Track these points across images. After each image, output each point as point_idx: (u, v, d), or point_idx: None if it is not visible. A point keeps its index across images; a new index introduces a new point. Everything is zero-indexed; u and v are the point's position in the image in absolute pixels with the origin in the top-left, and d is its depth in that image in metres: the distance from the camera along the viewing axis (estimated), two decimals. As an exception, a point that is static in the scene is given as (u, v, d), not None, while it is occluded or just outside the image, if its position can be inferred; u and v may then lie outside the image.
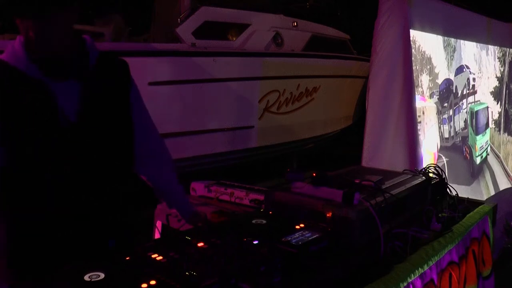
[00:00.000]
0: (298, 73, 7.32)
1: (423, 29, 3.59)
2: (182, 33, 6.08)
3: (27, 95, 1.40)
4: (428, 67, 3.66)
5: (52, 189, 1.45)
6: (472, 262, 2.03)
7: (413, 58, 3.36)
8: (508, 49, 5.23)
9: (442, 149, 4.00)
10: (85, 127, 1.48)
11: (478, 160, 4.74)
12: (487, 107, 5.04)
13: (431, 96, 3.85)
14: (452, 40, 4.08)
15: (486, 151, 4.98)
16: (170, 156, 1.89)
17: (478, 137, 4.72)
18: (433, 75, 3.76)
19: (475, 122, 4.65)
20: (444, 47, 3.96)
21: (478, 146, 4.72)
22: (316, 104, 7.74)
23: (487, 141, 5.02)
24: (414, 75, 3.38)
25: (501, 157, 5.14)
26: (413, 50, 3.37)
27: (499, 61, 5.13)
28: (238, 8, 6.90)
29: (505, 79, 5.24)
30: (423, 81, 3.59)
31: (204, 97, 6.13)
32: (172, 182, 1.89)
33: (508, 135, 5.38)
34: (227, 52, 6.48)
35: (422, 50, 3.54)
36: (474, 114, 4.62)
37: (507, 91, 5.24)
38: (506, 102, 5.28)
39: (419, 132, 3.40)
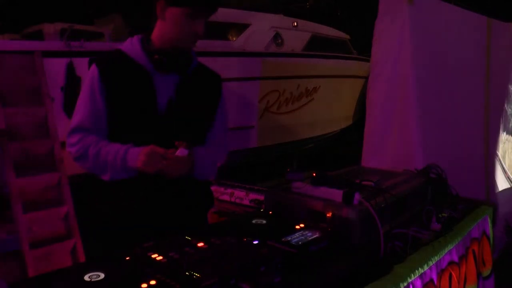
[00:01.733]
0: (298, 73, 7.32)
1: (423, 29, 3.58)
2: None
3: (133, 80, 1.67)
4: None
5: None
6: (472, 262, 2.03)
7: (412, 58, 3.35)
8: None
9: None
10: (172, 118, 1.70)
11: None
12: None
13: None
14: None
15: None
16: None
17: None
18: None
19: None
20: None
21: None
22: (316, 104, 7.74)
23: None
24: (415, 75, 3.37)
25: (499, 155, 5.13)
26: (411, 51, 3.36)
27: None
28: (238, 8, 6.90)
29: None
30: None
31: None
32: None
33: (506, 134, 5.38)
34: (227, 52, 6.48)
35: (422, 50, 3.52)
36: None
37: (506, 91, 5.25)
38: (505, 102, 5.28)
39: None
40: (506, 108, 5.23)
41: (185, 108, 1.74)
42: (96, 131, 1.69)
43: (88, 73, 1.71)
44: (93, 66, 1.70)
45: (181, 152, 1.60)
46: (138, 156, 1.59)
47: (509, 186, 5.07)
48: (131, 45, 1.74)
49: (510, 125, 5.37)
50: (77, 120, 1.70)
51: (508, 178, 5.11)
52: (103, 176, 1.68)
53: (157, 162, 1.58)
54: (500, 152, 5.17)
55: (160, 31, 1.71)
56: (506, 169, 5.14)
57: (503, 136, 5.20)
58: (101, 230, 1.76)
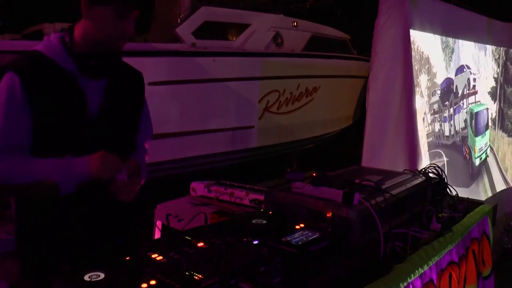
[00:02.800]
0: (298, 73, 7.32)
1: (423, 29, 3.59)
2: (182, 33, 6.08)
3: (60, 87, 1.50)
4: (427, 66, 3.67)
5: None
6: (472, 262, 2.03)
7: (411, 58, 3.36)
8: (502, 51, 5.26)
9: (443, 146, 4.01)
10: (104, 122, 1.59)
11: (477, 162, 4.74)
12: (487, 109, 5.05)
13: (433, 94, 3.86)
14: (451, 41, 4.08)
15: (486, 153, 4.98)
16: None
17: (477, 139, 4.72)
18: (431, 74, 3.76)
19: (475, 124, 4.66)
20: (443, 49, 3.96)
21: (477, 147, 4.72)
22: (316, 104, 7.74)
23: (486, 142, 5.02)
24: (413, 75, 3.38)
25: (494, 150, 5.16)
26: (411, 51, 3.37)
27: (495, 62, 5.15)
28: (238, 8, 6.90)
29: (500, 79, 5.27)
30: (422, 81, 3.59)
31: (204, 97, 6.12)
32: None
33: (502, 132, 5.41)
34: (227, 52, 6.48)
35: (421, 51, 3.54)
36: (473, 116, 4.62)
37: (502, 90, 5.28)
38: (501, 101, 5.32)
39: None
40: (502, 107, 5.27)
41: (116, 112, 1.63)
42: (12, 149, 1.47)
43: (1, 82, 1.46)
44: (10, 75, 1.44)
45: (120, 177, 1.51)
46: (88, 162, 1.46)
47: (505, 186, 5.10)
48: (50, 46, 1.54)
49: (510, 126, 5.40)
50: None
51: (504, 178, 5.13)
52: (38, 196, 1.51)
53: (112, 165, 1.48)
54: (495, 146, 5.19)
55: (84, 31, 1.53)
56: (504, 173, 5.17)
57: (499, 133, 5.24)
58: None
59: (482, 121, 4.92)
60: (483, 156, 4.92)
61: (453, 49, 4.13)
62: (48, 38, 1.57)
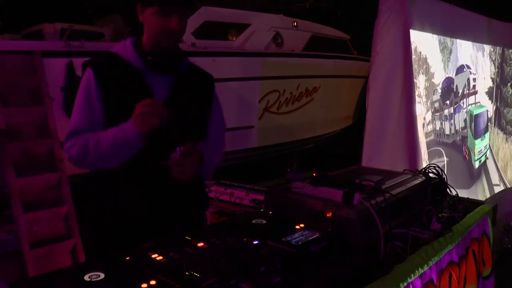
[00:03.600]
0: (298, 73, 7.33)
1: (423, 29, 3.59)
2: (182, 33, 6.08)
3: (129, 82, 1.68)
4: (424, 66, 3.67)
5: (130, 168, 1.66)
6: (472, 262, 2.03)
7: (411, 58, 3.36)
8: (498, 52, 5.28)
9: (443, 144, 4.01)
10: (169, 117, 1.66)
11: (476, 164, 4.73)
12: (487, 111, 5.05)
13: (434, 92, 3.86)
14: (449, 42, 4.08)
15: (485, 156, 4.98)
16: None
17: (476, 141, 4.72)
18: (429, 75, 3.76)
19: (474, 126, 4.66)
20: (441, 49, 3.96)
21: (476, 150, 4.72)
22: (316, 104, 7.74)
23: (486, 145, 5.01)
24: (413, 75, 3.38)
25: (493, 151, 5.18)
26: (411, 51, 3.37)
27: (492, 63, 5.17)
28: (238, 8, 6.90)
29: (497, 80, 5.29)
30: (420, 81, 3.60)
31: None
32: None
33: (499, 129, 5.44)
34: (227, 52, 6.48)
35: (418, 51, 3.54)
36: (473, 118, 4.63)
37: (498, 90, 5.31)
38: (498, 101, 5.34)
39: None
40: (499, 107, 5.29)
41: (181, 107, 1.74)
42: (90, 130, 1.68)
43: (83, 76, 1.71)
44: (88, 70, 1.69)
45: (173, 155, 1.59)
46: (132, 121, 1.59)
47: (503, 188, 5.11)
48: (124, 48, 1.76)
49: (505, 124, 5.43)
50: (73, 125, 1.69)
51: (502, 180, 5.14)
52: (111, 163, 1.67)
53: (149, 117, 1.58)
54: (500, 164, 5.21)
55: (145, 33, 1.75)
56: (503, 175, 5.18)
57: (496, 130, 5.25)
58: (100, 230, 1.76)
59: (482, 123, 4.92)
60: (483, 159, 4.92)
61: (451, 49, 4.13)
62: (124, 41, 1.80)
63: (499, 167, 5.28)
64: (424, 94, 3.68)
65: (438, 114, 3.96)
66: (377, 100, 3.34)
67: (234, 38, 6.84)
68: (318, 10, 9.17)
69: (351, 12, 10.35)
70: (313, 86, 7.63)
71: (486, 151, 5.03)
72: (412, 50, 3.38)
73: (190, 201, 1.79)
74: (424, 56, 3.63)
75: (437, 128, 3.94)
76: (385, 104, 3.33)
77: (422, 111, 3.62)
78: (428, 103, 3.77)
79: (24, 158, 3.38)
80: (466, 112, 4.49)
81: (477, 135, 4.73)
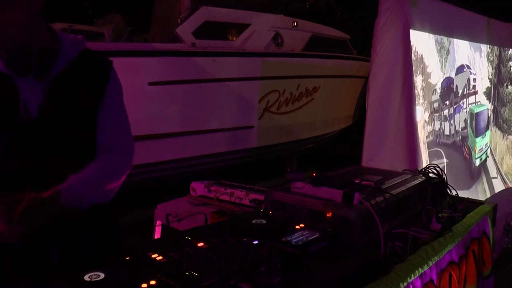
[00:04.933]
0: (298, 73, 7.33)
1: (423, 29, 3.59)
2: (182, 33, 6.09)
3: None
4: (421, 66, 3.66)
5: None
6: (472, 262, 2.03)
7: (411, 58, 3.35)
8: (495, 53, 5.28)
9: (443, 145, 4.01)
10: (45, 124, 1.42)
11: (477, 162, 4.74)
12: (487, 109, 5.06)
13: (433, 93, 3.86)
14: (446, 42, 4.08)
15: (486, 154, 4.99)
16: (115, 161, 1.56)
17: (477, 139, 4.73)
18: (425, 75, 3.75)
19: (475, 124, 4.66)
20: (438, 50, 3.96)
21: (477, 148, 4.73)
22: (316, 104, 7.74)
23: (486, 143, 5.03)
24: (413, 75, 3.38)
25: (492, 149, 5.20)
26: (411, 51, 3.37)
27: (490, 63, 5.18)
28: (238, 8, 6.90)
29: (494, 80, 5.30)
30: (417, 82, 3.59)
31: (204, 97, 6.13)
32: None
33: (496, 128, 5.46)
34: (227, 52, 6.48)
35: (415, 51, 3.53)
36: (473, 116, 4.63)
37: (496, 90, 5.32)
38: (496, 101, 5.36)
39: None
40: (496, 106, 5.31)
41: (60, 112, 1.45)
42: None
43: None
44: None
45: None
46: None
47: (503, 187, 5.12)
48: None
49: (502, 123, 5.45)
50: None
51: (502, 178, 5.15)
52: None
53: None
54: (497, 158, 5.22)
55: None
56: (503, 173, 5.19)
57: (494, 129, 5.27)
58: None
59: (483, 122, 4.93)
60: (483, 157, 4.93)
61: (448, 49, 4.13)
62: None
63: (497, 160, 5.32)
64: (422, 95, 3.68)
65: (437, 114, 3.95)
66: (377, 100, 3.33)
67: (234, 38, 6.84)
68: (318, 10, 9.16)
69: (351, 12, 10.34)
70: (313, 86, 7.63)
71: (487, 149, 5.04)
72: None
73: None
74: (420, 56, 3.63)
75: (437, 128, 3.94)
76: (385, 104, 3.33)
77: (421, 112, 3.62)
78: (425, 104, 3.77)
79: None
80: (466, 112, 4.49)
81: (478, 133, 4.73)
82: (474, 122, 4.64)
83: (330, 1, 9.62)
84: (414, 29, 3.40)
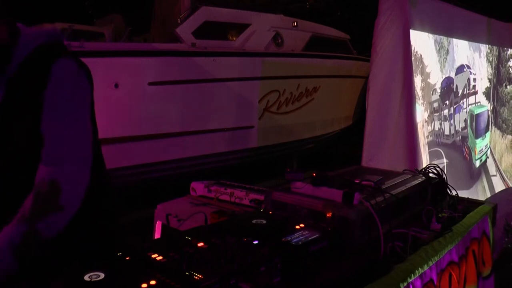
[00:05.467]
0: (298, 73, 7.33)
1: (423, 29, 3.59)
2: (182, 33, 6.09)
3: None
4: (421, 66, 3.66)
5: None
6: (472, 262, 2.03)
7: (411, 58, 3.35)
8: (494, 53, 5.29)
9: (443, 145, 4.01)
10: None
11: (477, 163, 4.74)
12: (487, 110, 5.06)
13: (433, 93, 3.86)
14: (445, 42, 4.08)
15: (486, 155, 4.99)
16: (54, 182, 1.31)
17: (477, 141, 4.73)
18: (424, 75, 3.75)
19: (475, 125, 4.66)
20: (437, 50, 3.95)
21: (477, 149, 4.73)
22: (316, 104, 7.74)
23: (487, 144, 5.03)
24: (413, 75, 3.38)
25: (491, 148, 5.21)
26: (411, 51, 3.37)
27: (489, 64, 5.19)
28: (238, 8, 6.91)
29: (493, 80, 5.30)
30: (417, 82, 3.59)
31: (204, 97, 6.13)
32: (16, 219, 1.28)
33: (496, 128, 5.47)
34: (227, 52, 6.48)
35: (415, 51, 3.53)
36: (474, 118, 4.63)
37: (495, 91, 5.33)
38: (495, 101, 5.36)
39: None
40: (495, 106, 5.31)
41: (3, 120, 1.33)
42: None
43: None
44: None
45: None
46: None
47: (503, 186, 5.12)
48: None
49: (501, 123, 5.46)
50: None
51: (502, 177, 5.16)
52: None
53: None
54: (497, 156, 5.22)
55: None
56: (503, 173, 5.19)
57: (493, 129, 5.28)
58: None
59: (483, 123, 4.93)
60: (483, 158, 4.93)
61: (448, 50, 4.13)
62: None
63: (496, 159, 5.33)
64: (421, 95, 3.68)
65: (437, 114, 3.95)
66: (377, 100, 3.33)
67: (234, 38, 6.84)
68: (318, 10, 9.17)
69: (351, 12, 10.34)
70: (313, 86, 7.64)
71: (487, 150, 5.04)
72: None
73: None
74: (420, 56, 3.63)
75: (436, 128, 3.94)
76: (385, 104, 3.33)
77: (421, 112, 3.62)
78: (425, 104, 3.77)
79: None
80: (466, 112, 4.49)
81: (478, 134, 4.73)
82: (474, 123, 4.64)
83: (330, 1, 9.62)
84: (414, 29, 3.40)
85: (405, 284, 1.46)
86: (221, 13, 6.60)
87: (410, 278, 1.49)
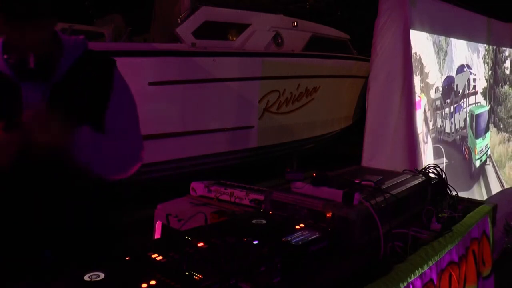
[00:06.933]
0: (298, 73, 7.33)
1: (423, 29, 3.58)
2: (182, 33, 6.09)
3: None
4: (419, 67, 3.66)
5: None
6: (472, 262, 2.03)
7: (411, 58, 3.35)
8: (491, 54, 5.29)
9: (443, 142, 4.01)
10: None
11: (477, 164, 4.73)
12: (487, 111, 5.05)
13: (435, 90, 3.86)
14: (444, 43, 4.07)
15: (486, 155, 4.98)
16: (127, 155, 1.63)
17: (478, 141, 4.72)
18: (423, 75, 3.75)
19: (475, 126, 4.66)
20: (436, 51, 3.95)
21: (477, 149, 4.72)
22: (316, 104, 7.74)
23: (487, 144, 5.02)
24: (413, 75, 3.37)
25: (494, 160, 5.21)
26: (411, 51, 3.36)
27: (486, 64, 5.19)
28: (238, 8, 6.91)
29: (490, 80, 5.31)
30: (415, 82, 3.59)
31: (204, 97, 6.13)
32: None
33: (493, 127, 5.48)
34: (227, 52, 6.48)
35: (413, 51, 3.53)
36: (474, 118, 4.62)
37: (492, 91, 5.34)
38: (492, 100, 5.37)
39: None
40: (492, 106, 5.31)
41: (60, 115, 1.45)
42: None
43: None
44: None
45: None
46: None
47: (500, 188, 5.12)
48: None
49: (498, 122, 5.46)
50: None
51: (499, 179, 5.16)
52: None
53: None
54: (495, 157, 5.22)
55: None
56: (500, 175, 5.19)
57: (491, 128, 5.28)
58: None
59: (483, 123, 4.92)
60: (483, 158, 4.92)
61: (446, 51, 4.13)
62: None
63: (494, 160, 5.33)
64: (419, 94, 3.67)
65: (439, 111, 3.96)
66: (377, 100, 3.33)
67: (234, 38, 6.84)
68: (318, 10, 9.17)
69: (351, 12, 10.34)
70: (313, 86, 7.64)
71: (487, 150, 5.03)
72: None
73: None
74: (419, 57, 3.62)
75: (438, 126, 3.95)
76: (385, 104, 3.33)
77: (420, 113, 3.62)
78: (425, 104, 3.77)
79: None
80: (466, 112, 4.49)
81: (477, 134, 4.73)
82: (474, 123, 4.64)
83: (330, 1, 9.62)
84: (414, 29, 3.40)
85: (405, 284, 1.46)
86: (221, 13, 6.60)
87: (410, 278, 1.49)
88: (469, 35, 4.48)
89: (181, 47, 6.00)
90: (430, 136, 3.71)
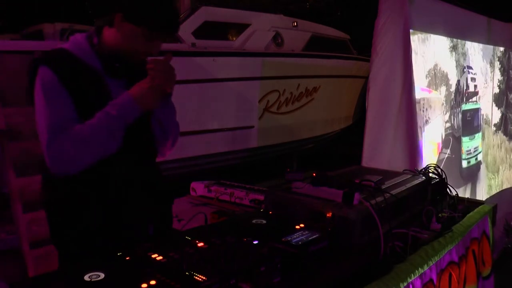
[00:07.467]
0: (298, 73, 7.32)
1: (423, 29, 3.58)
2: (182, 33, 6.08)
3: (88, 83, 1.58)
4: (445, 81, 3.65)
5: (96, 173, 1.59)
6: (472, 262, 2.03)
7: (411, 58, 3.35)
8: (505, 60, 5.27)
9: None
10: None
11: (464, 164, 4.61)
12: (479, 109, 4.94)
13: (448, 88, 3.85)
14: (460, 48, 4.07)
15: (476, 159, 4.84)
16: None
17: (464, 139, 4.60)
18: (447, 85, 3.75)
19: (461, 121, 4.57)
20: (455, 58, 3.94)
21: (464, 149, 4.61)
22: (316, 104, 7.74)
23: (476, 147, 4.87)
24: (413, 75, 3.37)
25: (489, 155, 5.16)
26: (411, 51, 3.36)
27: (499, 70, 5.16)
28: (238, 8, 6.90)
29: (502, 87, 5.29)
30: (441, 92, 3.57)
31: (204, 97, 6.13)
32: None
33: (504, 135, 5.43)
34: (227, 52, 6.48)
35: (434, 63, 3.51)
36: (462, 113, 4.53)
37: (504, 97, 5.31)
38: (504, 106, 5.35)
39: (422, 122, 3.41)
40: (503, 112, 5.28)
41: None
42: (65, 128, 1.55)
43: (36, 76, 1.53)
44: (44, 69, 1.53)
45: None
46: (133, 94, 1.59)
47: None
48: (78, 45, 1.64)
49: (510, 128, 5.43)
50: (52, 122, 1.55)
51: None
52: (110, 146, 1.57)
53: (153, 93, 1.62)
54: (491, 158, 5.17)
55: (114, 41, 1.61)
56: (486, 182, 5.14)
57: (502, 137, 5.23)
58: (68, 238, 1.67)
59: (470, 121, 4.80)
60: (472, 161, 4.77)
61: (463, 53, 4.14)
62: (75, 38, 1.67)
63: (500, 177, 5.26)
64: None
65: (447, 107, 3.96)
66: (377, 100, 3.33)
67: (234, 38, 6.83)
68: (318, 10, 9.17)
69: (351, 12, 10.34)
70: (313, 86, 7.63)
71: (477, 154, 4.89)
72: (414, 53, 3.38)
73: (151, 199, 1.75)
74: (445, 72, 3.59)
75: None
76: (385, 104, 3.33)
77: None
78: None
79: (24, 158, 3.37)
80: (461, 112, 4.46)
81: (465, 132, 4.62)
82: (461, 120, 4.54)
83: (330, 1, 9.62)
84: (414, 29, 3.40)
85: (405, 284, 1.47)
86: (221, 13, 6.60)
87: (410, 278, 1.49)
88: (469, 35, 4.47)
89: (181, 47, 5.99)
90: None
